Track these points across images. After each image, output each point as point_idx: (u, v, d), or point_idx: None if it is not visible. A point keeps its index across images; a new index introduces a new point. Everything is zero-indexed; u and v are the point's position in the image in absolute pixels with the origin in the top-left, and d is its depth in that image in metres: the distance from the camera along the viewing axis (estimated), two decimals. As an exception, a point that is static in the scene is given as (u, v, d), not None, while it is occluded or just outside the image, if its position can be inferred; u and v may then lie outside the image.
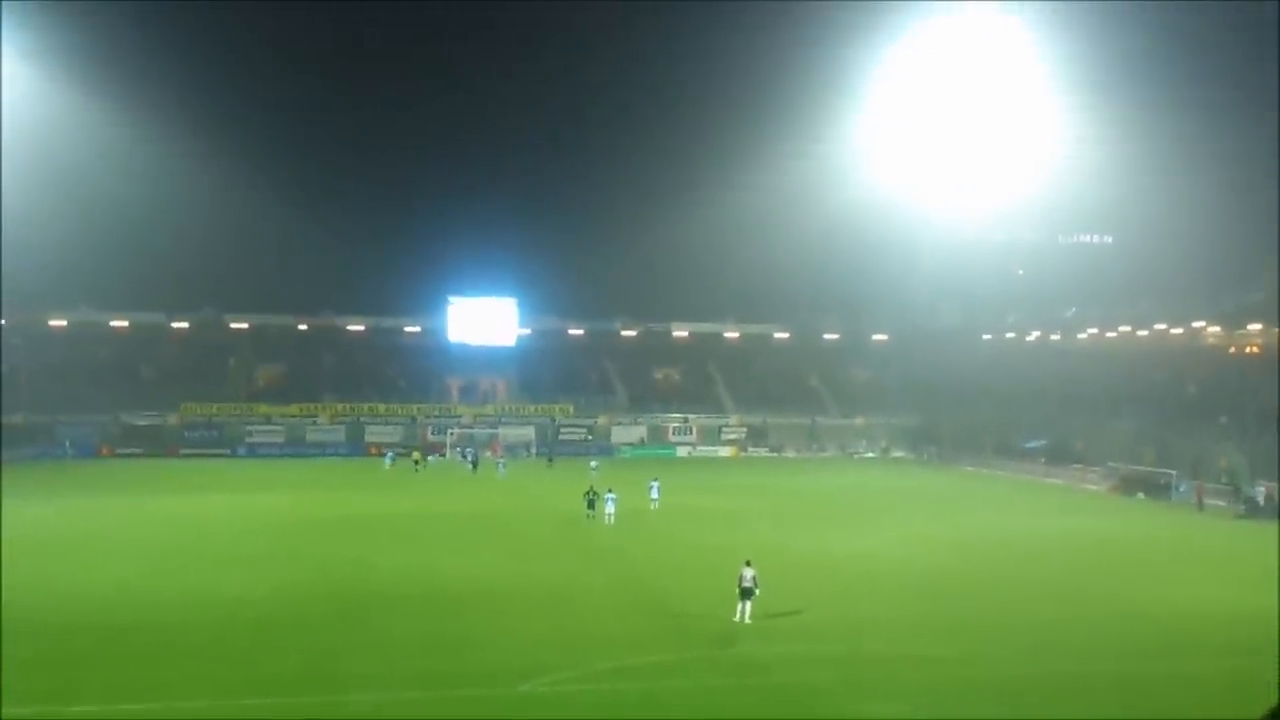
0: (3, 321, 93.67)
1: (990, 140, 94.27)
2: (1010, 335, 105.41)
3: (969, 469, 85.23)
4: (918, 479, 78.72)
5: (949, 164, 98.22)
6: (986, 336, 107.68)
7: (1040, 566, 40.92)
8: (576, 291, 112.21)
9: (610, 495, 50.96)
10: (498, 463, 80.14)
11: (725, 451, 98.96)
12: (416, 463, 79.78)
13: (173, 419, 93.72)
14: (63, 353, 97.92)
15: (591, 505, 51.45)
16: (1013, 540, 47.56)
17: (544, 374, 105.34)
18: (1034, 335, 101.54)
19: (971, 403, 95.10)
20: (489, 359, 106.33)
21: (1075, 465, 77.37)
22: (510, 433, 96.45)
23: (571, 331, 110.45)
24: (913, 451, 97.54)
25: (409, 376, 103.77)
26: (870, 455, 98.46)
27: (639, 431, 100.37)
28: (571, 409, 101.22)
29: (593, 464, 74.25)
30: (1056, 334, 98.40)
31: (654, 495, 55.96)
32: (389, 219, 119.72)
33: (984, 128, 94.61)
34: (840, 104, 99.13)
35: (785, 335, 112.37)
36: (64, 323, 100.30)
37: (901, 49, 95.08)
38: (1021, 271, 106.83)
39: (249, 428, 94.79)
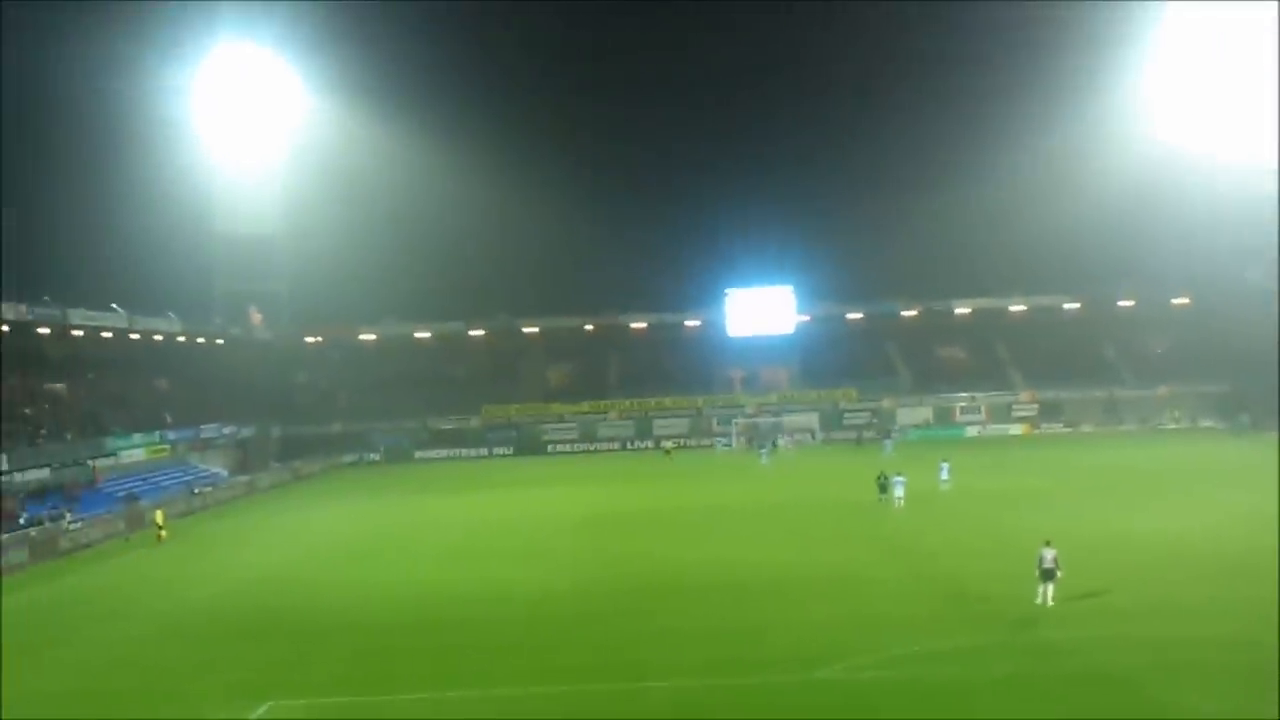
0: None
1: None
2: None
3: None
4: (1228, 450, 73.21)
5: (1250, 109, 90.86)
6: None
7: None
8: (854, 274, 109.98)
9: (899, 479, 50.17)
10: (760, 451, 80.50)
11: (1016, 429, 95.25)
12: (667, 452, 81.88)
13: (474, 421, 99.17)
14: (373, 364, 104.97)
15: (884, 489, 50.87)
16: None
17: (825, 359, 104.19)
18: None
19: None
20: (769, 348, 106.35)
21: None
22: (794, 420, 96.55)
23: (851, 315, 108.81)
24: (1223, 421, 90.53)
25: (691, 370, 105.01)
26: (1174, 427, 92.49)
27: (924, 413, 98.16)
28: (855, 393, 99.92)
29: (887, 443, 73.52)
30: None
31: (944, 476, 54.94)
32: (665, 216, 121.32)
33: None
34: (1125, 54, 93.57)
35: (1076, 305, 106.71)
36: (373, 336, 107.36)
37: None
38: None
39: (544, 426, 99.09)
